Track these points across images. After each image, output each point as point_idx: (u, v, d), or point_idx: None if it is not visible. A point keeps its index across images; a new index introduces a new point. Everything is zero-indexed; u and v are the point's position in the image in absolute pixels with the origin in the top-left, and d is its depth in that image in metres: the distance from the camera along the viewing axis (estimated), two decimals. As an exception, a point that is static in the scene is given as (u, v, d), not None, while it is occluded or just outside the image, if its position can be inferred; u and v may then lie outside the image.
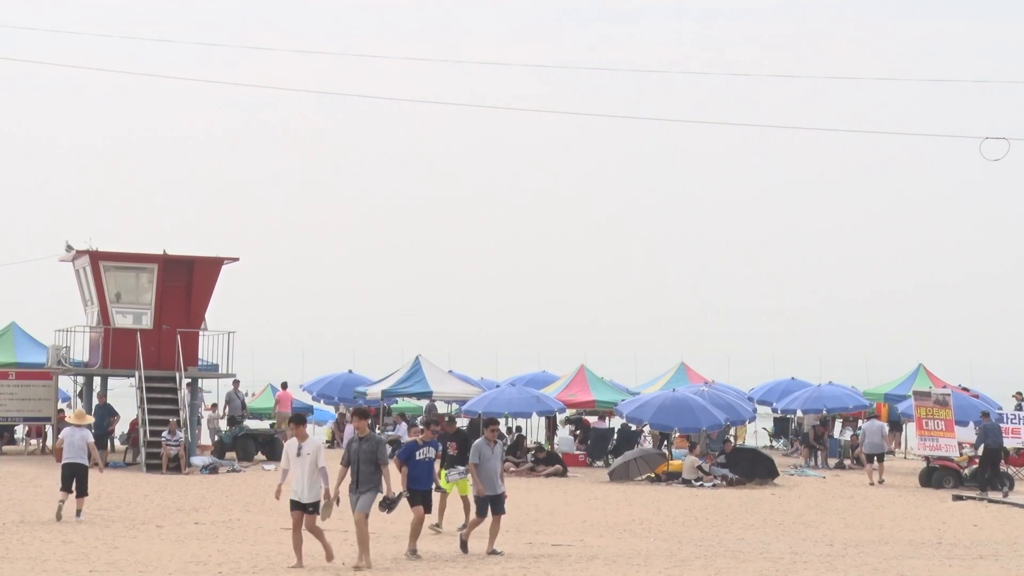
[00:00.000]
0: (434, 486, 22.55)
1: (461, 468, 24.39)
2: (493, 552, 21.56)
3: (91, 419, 33.80)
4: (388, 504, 20.21)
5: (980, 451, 37.19)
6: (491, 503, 21.87)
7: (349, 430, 50.44)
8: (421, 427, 26.83)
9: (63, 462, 26.75)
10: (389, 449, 46.72)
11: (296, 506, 20.28)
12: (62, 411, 45.62)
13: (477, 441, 22.45)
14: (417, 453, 21.91)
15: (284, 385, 49.66)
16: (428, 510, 21.96)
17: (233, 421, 45.11)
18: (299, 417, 21.71)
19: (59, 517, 25.57)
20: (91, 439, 27.11)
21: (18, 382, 42.37)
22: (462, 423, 54.12)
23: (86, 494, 26.57)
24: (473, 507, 22.57)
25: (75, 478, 26.34)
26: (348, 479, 20.42)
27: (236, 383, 47.57)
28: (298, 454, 20.61)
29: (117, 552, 21.09)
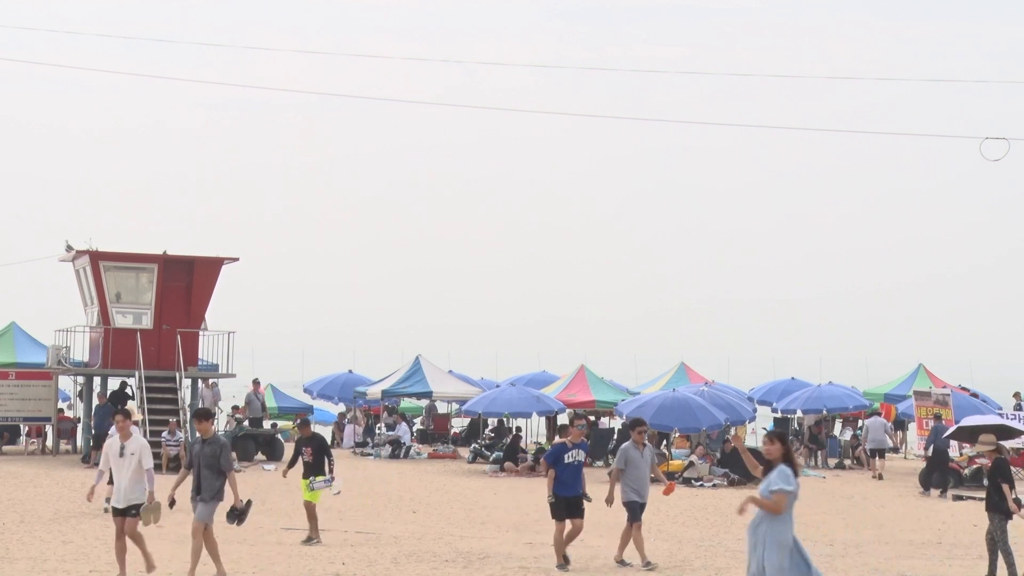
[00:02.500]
0: (581, 491, 20.69)
1: (327, 477, 23.12)
2: (622, 563, 20.50)
3: (139, 416, 35.02)
4: (237, 515, 18.83)
5: (930, 452, 37.18)
6: (632, 509, 20.48)
7: (349, 430, 50.84)
8: (569, 427, 24.58)
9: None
10: (390, 450, 46.77)
11: (117, 512, 18.45)
12: (62, 411, 45.65)
13: (624, 444, 20.79)
14: (566, 456, 20.29)
15: (256, 382, 47.42)
16: (580, 515, 20.39)
17: (254, 423, 45.36)
18: (125, 412, 19.20)
19: (107, 510, 26.60)
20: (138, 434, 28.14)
21: (18, 382, 42.36)
22: (462, 423, 54.46)
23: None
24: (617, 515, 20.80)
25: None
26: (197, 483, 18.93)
27: (256, 383, 47.67)
28: (120, 454, 18.38)
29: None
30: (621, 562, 20.57)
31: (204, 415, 19.09)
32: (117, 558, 18.44)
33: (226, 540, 23.03)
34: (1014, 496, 20.42)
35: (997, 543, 20.25)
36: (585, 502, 20.52)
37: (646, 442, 20.82)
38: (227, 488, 18.67)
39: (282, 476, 24.44)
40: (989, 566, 20.27)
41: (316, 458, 23.24)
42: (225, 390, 48.75)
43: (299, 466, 23.59)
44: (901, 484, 37.89)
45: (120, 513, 18.36)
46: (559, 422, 45.75)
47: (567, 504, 20.19)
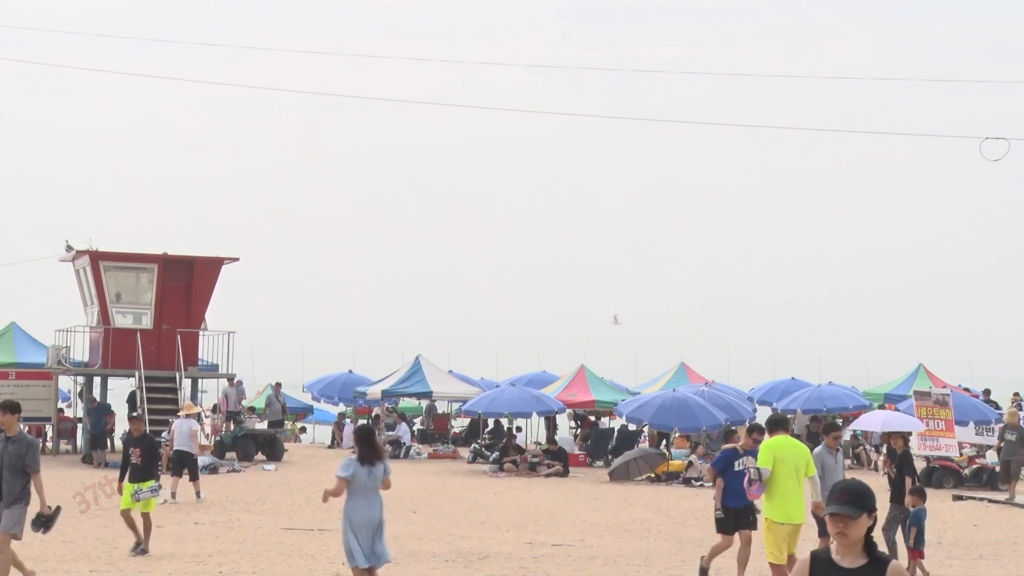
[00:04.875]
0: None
1: (155, 485, 21.14)
2: None
3: (198, 410, 36.79)
4: (43, 522, 16.92)
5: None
6: (822, 521, 17.56)
7: (349, 430, 50.78)
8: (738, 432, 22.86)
9: (173, 449, 30.03)
10: (390, 450, 46.67)
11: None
12: (62, 411, 45.62)
13: (817, 449, 19.00)
14: (736, 463, 18.66)
15: (231, 379, 45.91)
16: (754, 527, 18.67)
17: (274, 424, 45.50)
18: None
19: (174, 496, 28.65)
20: (197, 428, 30.86)
21: (18, 382, 42.32)
22: (462, 423, 54.46)
23: (198, 477, 30.08)
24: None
25: (184, 465, 29.67)
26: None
27: (278, 386, 47.76)
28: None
29: (117, 552, 21.07)
30: None
31: (10, 408, 16.46)
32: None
33: (226, 540, 23.02)
34: (911, 488, 20.95)
35: (889, 531, 20.99)
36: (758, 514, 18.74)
37: (840, 447, 19.32)
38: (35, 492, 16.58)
39: (117, 491, 22.17)
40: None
41: (145, 461, 21.11)
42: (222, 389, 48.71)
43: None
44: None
45: None
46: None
47: (736, 515, 18.55)
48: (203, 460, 38.66)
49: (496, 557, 21.34)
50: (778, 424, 17.56)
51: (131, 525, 20.90)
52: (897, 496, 21.18)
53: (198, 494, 29.53)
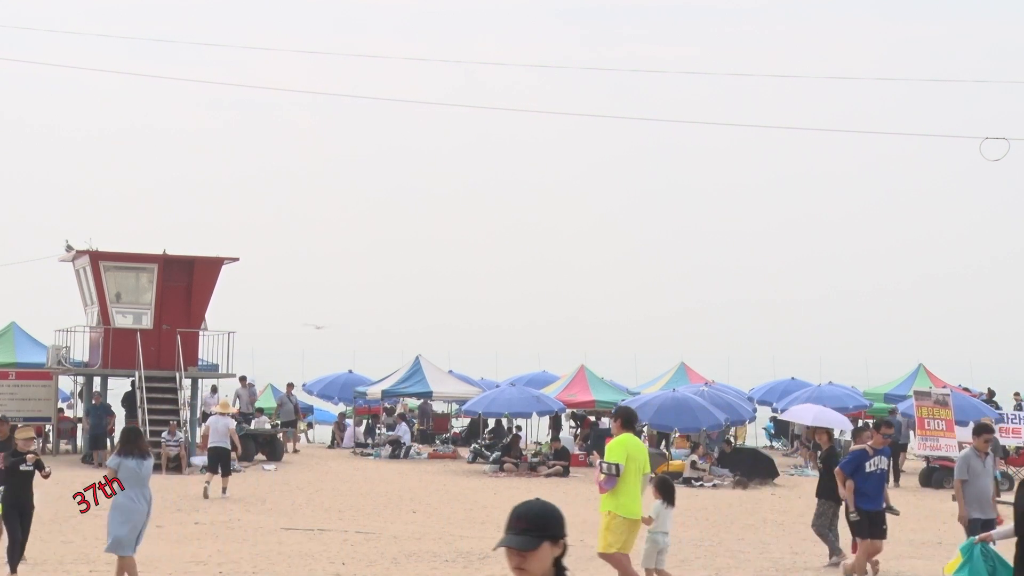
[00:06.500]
0: (884, 505, 18.71)
1: None
2: None
3: (234, 409, 37.66)
4: None
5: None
6: (972, 529, 17.21)
7: (349, 430, 50.80)
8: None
9: (208, 446, 31.08)
10: (390, 450, 46.58)
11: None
12: (62, 411, 45.61)
13: (965, 451, 18.29)
14: (867, 464, 18.12)
15: (243, 380, 45.62)
16: (882, 535, 18.29)
17: (288, 425, 45.49)
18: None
19: (206, 495, 29.53)
20: (233, 426, 31.76)
21: (18, 382, 42.33)
22: (462, 423, 54.45)
23: (230, 474, 31.10)
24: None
25: (219, 461, 30.59)
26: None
27: (290, 387, 47.79)
28: None
29: (117, 552, 21.03)
30: None
31: None
32: None
33: (226, 540, 23.03)
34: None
35: (820, 527, 21.15)
36: (891, 517, 18.29)
37: (990, 451, 18.31)
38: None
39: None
40: (830, 548, 21.00)
41: None
42: (224, 390, 48.68)
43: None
44: (901, 484, 37.90)
45: None
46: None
47: (870, 520, 18.21)
48: (204, 460, 38.71)
49: (496, 557, 21.34)
50: (630, 421, 17.65)
51: None
52: (824, 491, 21.21)
53: (224, 489, 30.37)
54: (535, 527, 5.56)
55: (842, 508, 20.76)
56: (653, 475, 18.55)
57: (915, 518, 29.86)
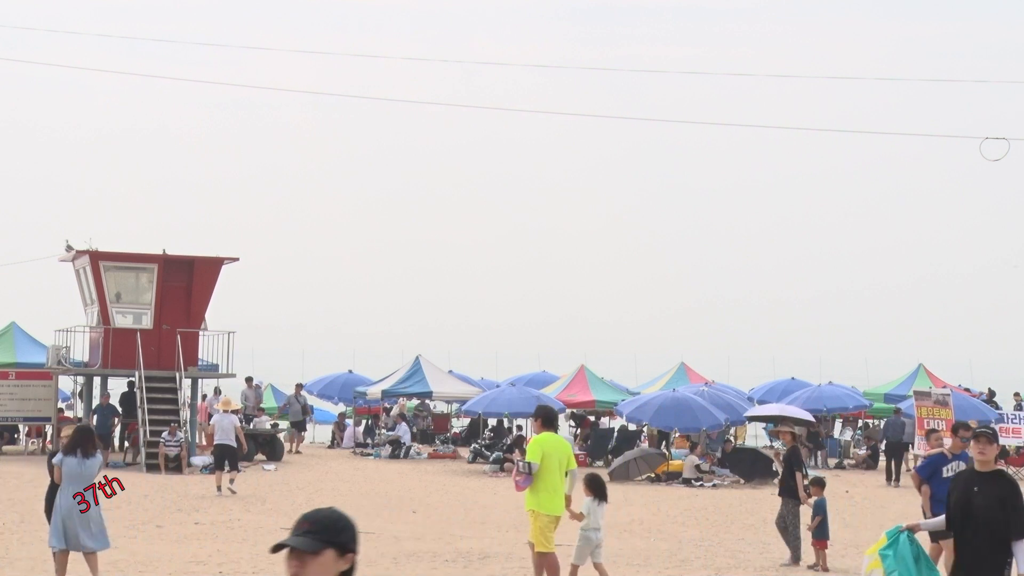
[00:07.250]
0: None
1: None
2: None
3: (239, 406, 38.18)
4: None
5: (883, 445, 37.74)
6: None
7: (349, 430, 50.80)
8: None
9: (215, 443, 31.53)
10: (390, 450, 46.50)
11: None
12: (62, 410, 45.60)
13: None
14: (944, 469, 17.28)
15: (249, 381, 45.62)
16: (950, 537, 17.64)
17: (297, 425, 45.49)
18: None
19: (220, 489, 30.48)
20: (238, 423, 32.34)
21: (18, 382, 42.32)
22: (462, 423, 54.43)
23: (237, 470, 31.54)
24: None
25: (226, 457, 31.03)
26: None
27: (299, 387, 47.78)
28: None
29: (117, 552, 21.04)
30: None
31: None
32: None
33: (226, 540, 23.03)
34: (805, 483, 21.54)
35: (788, 527, 21.39)
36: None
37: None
38: None
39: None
40: (791, 552, 21.23)
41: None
42: (225, 390, 48.72)
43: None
44: (901, 484, 37.90)
45: None
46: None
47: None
48: (203, 460, 38.72)
49: (496, 557, 21.34)
50: (549, 420, 17.80)
51: None
52: (786, 491, 21.62)
53: (231, 481, 30.86)
54: (319, 530, 5.28)
55: (802, 508, 21.42)
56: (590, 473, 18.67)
57: (915, 517, 29.76)
